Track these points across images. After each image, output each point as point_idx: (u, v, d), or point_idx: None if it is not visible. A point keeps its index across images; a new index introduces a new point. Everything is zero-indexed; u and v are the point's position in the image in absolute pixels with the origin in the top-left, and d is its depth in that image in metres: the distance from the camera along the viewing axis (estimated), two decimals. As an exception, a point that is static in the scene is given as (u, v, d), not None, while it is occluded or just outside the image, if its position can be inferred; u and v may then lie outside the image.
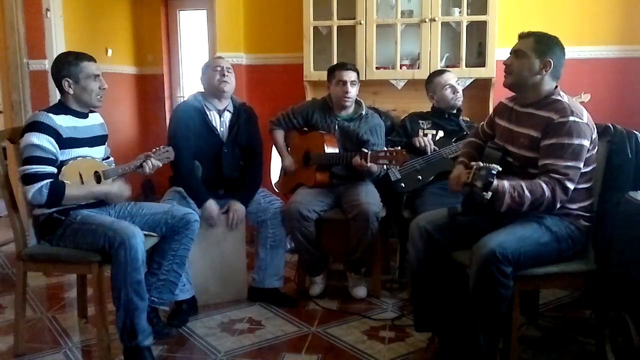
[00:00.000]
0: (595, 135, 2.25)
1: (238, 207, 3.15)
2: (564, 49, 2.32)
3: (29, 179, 2.42)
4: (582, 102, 3.23)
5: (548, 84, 2.31)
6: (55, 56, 4.12)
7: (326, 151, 3.27)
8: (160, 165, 2.73)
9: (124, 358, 2.48)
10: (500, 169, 2.10)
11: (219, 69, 3.15)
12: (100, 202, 2.67)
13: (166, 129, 3.29)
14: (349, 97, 3.31)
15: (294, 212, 3.14)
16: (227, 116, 3.24)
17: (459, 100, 3.39)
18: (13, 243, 2.71)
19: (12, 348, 2.66)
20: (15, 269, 2.64)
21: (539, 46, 2.27)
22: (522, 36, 2.34)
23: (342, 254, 3.35)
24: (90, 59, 2.62)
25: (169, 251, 2.77)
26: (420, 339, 2.73)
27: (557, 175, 2.15)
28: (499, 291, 2.13)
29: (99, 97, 2.63)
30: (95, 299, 2.51)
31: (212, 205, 3.08)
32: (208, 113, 3.19)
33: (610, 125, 2.40)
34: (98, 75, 2.61)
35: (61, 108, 2.60)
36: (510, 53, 2.35)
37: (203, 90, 3.26)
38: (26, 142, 2.45)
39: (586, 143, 2.19)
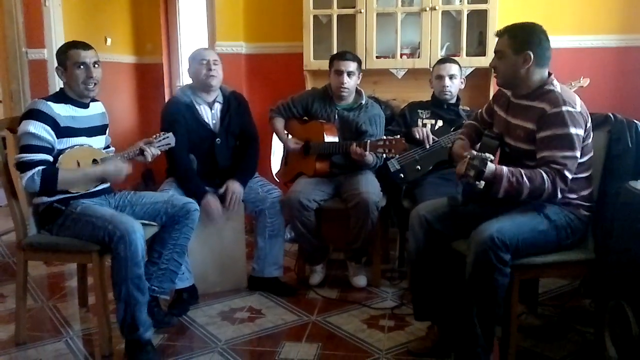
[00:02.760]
0: (589, 123, 2.25)
1: (236, 188, 3.13)
2: (544, 33, 2.28)
3: (23, 166, 2.41)
4: (581, 87, 3.24)
5: (537, 73, 2.29)
6: (54, 45, 4.11)
7: (326, 140, 3.26)
8: (159, 152, 2.72)
9: (126, 351, 2.49)
10: (493, 157, 2.11)
11: (204, 62, 3.11)
12: (101, 191, 2.67)
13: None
14: (345, 88, 3.29)
15: (294, 202, 3.14)
16: (218, 107, 3.22)
17: (447, 94, 3.36)
18: (13, 232, 2.71)
19: (13, 337, 2.67)
20: (16, 258, 2.65)
21: (514, 42, 2.26)
22: (498, 35, 2.34)
23: (342, 243, 3.36)
24: (80, 46, 2.57)
25: (169, 240, 2.77)
26: (419, 327, 2.74)
27: (556, 166, 2.15)
28: (495, 278, 2.14)
29: (86, 86, 2.57)
30: (96, 288, 2.52)
31: (211, 199, 3.07)
32: (198, 107, 3.17)
33: (611, 115, 2.40)
34: (85, 63, 2.55)
35: (61, 97, 2.60)
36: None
37: (191, 83, 3.23)
38: (23, 130, 2.44)
39: (580, 132, 2.19)
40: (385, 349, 2.58)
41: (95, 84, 2.60)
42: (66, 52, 2.55)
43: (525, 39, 2.27)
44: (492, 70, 2.40)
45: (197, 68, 3.13)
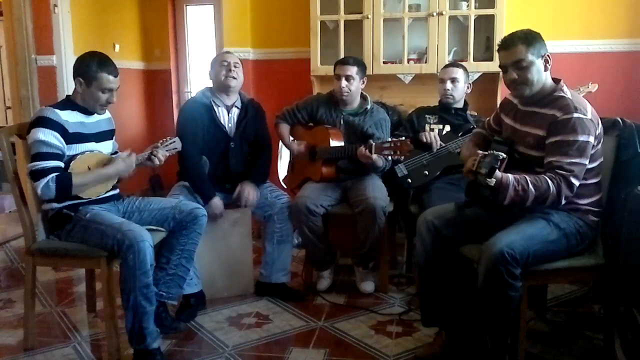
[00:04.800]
0: (599, 130, 2.23)
1: (250, 189, 3.15)
2: None
3: (36, 175, 2.43)
4: (589, 92, 3.21)
5: (548, 77, 2.30)
6: (63, 52, 4.12)
7: (332, 145, 3.26)
8: (168, 155, 2.74)
9: None
10: (505, 156, 2.10)
11: (225, 64, 3.16)
12: (110, 198, 2.68)
13: (174, 124, 3.31)
14: (344, 92, 3.30)
15: (301, 207, 3.14)
16: (235, 112, 3.25)
17: (449, 98, 3.36)
18: (22, 238, 2.72)
19: (21, 342, 2.68)
20: (25, 263, 2.66)
21: (533, 47, 2.23)
22: (508, 46, 2.26)
23: (350, 249, 3.35)
24: (112, 72, 2.57)
25: (177, 246, 2.78)
26: (427, 333, 2.73)
27: (562, 172, 2.14)
28: (507, 292, 2.12)
29: (102, 106, 2.62)
30: (104, 294, 2.53)
31: (217, 202, 3.09)
32: (216, 109, 3.20)
33: (619, 120, 2.39)
34: (111, 90, 2.59)
35: (68, 104, 2.61)
36: (507, 66, 2.28)
37: (211, 86, 3.27)
38: (33, 139, 2.46)
39: (591, 139, 2.17)
40: (393, 355, 2.57)
41: (110, 106, 2.65)
42: (97, 73, 2.53)
43: (538, 41, 2.25)
44: (513, 82, 2.28)
45: (217, 69, 3.17)
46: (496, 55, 3.59)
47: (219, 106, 3.21)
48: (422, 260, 2.46)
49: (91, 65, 2.55)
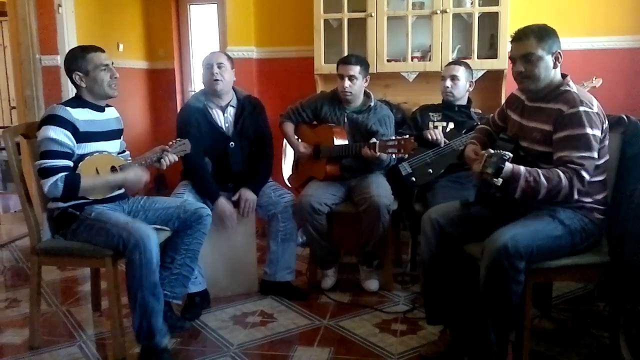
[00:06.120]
0: (606, 125, 2.22)
1: (249, 196, 3.15)
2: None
3: (45, 172, 2.43)
4: (593, 87, 3.21)
5: (558, 74, 2.29)
6: (67, 51, 4.13)
7: (335, 143, 3.26)
8: (177, 159, 2.74)
9: (141, 358, 2.49)
10: (511, 155, 2.09)
11: (208, 67, 3.14)
12: (115, 197, 2.68)
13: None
14: (347, 92, 3.29)
15: (305, 206, 3.14)
16: (231, 111, 3.24)
17: (448, 95, 3.35)
18: (27, 237, 2.73)
19: (27, 341, 2.70)
20: (30, 263, 2.66)
21: (544, 43, 2.22)
22: (520, 38, 2.25)
23: (354, 247, 3.36)
24: (98, 49, 2.61)
25: (181, 245, 2.78)
26: (431, 331, 2.73)
27: (573, 166, 2.12)
28: (510, 286, 2.12)
29: (112, 85, 2.62)
30: (109, 293, 2.53)
31: (223, 203, 3.09)
32: (211, 112, 3.19)
33: (624, 116, 2.37)
34: (107, 65, 2.60)
35: (78, 102, 2.61)
36: (515, 58, 2.27)
37: (204, 88, 3.27)
38: (43, 136, 2.46)
39: (598, 132, 2.16)
40: (398, 353, 2.58)
41: (117, 83, 2.65)
42: (85, 57, 2.56)
43: (552, 37, 2.24)
44: (519, 75, 2.28)
45: (204, 73, 3.17)
46: (500, 53, 3.65)
47: (212, 108, 3.20)
48: (426, 258, 2.45)
49: (77, 55, 2.59)
